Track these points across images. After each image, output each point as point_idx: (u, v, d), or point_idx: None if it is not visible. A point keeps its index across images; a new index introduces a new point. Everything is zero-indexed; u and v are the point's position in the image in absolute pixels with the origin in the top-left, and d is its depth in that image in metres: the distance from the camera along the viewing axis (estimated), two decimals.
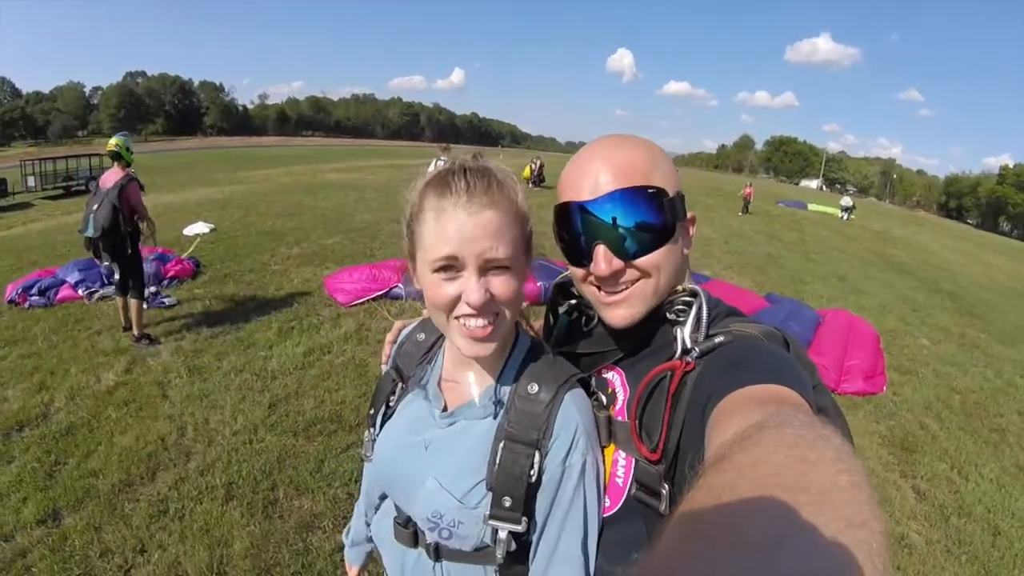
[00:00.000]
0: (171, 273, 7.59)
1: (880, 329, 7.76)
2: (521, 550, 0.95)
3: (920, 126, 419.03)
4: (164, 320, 6.26)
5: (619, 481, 0.93)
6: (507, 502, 0.91)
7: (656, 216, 0.90)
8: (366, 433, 1.18)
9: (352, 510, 3.42)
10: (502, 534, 0.92)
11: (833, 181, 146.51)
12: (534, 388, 0.95)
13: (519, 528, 0.91)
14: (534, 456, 0.91)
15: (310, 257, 9.43)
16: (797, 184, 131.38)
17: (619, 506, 0.93)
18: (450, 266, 0.87)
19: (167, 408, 4.47)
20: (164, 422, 4.25)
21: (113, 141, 5.56)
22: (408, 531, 1.04)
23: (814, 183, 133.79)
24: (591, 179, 0.92)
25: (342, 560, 2.96)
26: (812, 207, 34.00)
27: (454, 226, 0.85)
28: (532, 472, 0.91)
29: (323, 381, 5.06)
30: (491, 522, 0.92)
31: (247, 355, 5.54)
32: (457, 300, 0.88)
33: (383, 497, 1.19)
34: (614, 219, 0.90)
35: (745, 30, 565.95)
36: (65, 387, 4.70)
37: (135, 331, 5.63)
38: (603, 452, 0.97)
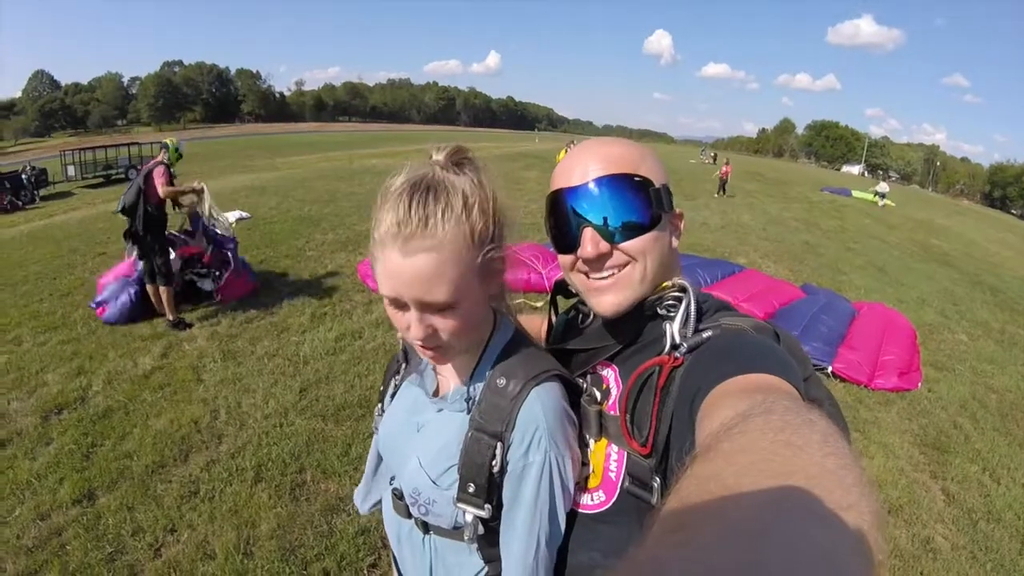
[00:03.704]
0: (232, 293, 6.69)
1: (918, 323, 7.58)
2: (492, 534, 1.00)
3: (965, 112, 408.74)
4: (201, 305, 6.40)
5: (612, 475, 0.94)
6: (471, 488, 0.95)
7: (642, 203, 0.93)
8: (376, 407, 1.25)
9: None
10: (468, 517, 0.97)
11: (875, 167, 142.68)
12: (502, 382, 0.97)
13: (483, 514, 0.96)
14: (496, 447, 0.94)
15: (344, 243, 9.57)
16: (839, 169, 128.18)
17: (613, 500, 0.94)
18: (395, 301, 0.88)
19: (201, 392, 4.58)
20: (198, 405, 4.36)
21: (172, 138, 5.97)
22: (402, 503, 1.09)
23: (856, 168, 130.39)
24: (580, 168, 0.96)
25: (365, 543, 3.03)
26: (857, 194, 33.07)
27: (392, 268, 0.85)
28: (495, 463, 0.94)
29: (353, 366, 5.14)
30: (459, 505, 0.97)
31: (280, 340, 5.65)
32: (407, 327, 0.89)
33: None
34: (600, 203, 0.93)
35: (785, 10, 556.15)
36: (103, 371, 4.84)
37: (169, 316, 5.76)
38: (595, 447, 0.98)
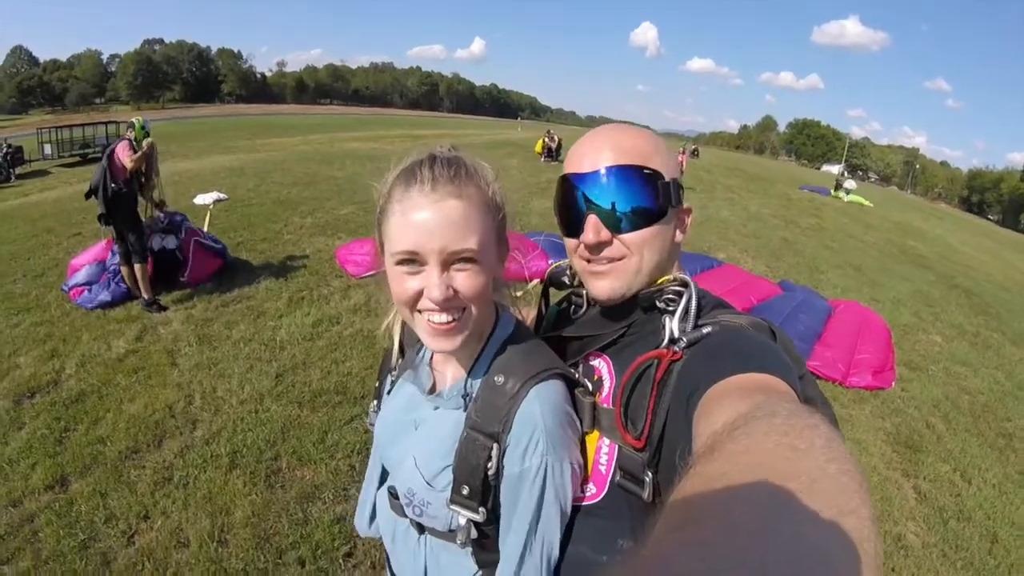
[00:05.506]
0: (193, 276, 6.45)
1: (893, 323, 7.67)
2: (486, 538, 0.97)
3: (946, 117, 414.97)
4: (176, 288, 6.28)
5: (602, 468, 0.94)
6: (465, 490, 0.92)
7: (649, 195, 0.95)
8: (372, 404, 1.22)
9: (353, 482, 3.46)
10: (462, 520, 0.94)
11: (855, 167, 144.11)
12: (500, 379, 0.94)
13: (477, 517, 0.93)
14: (492, 449, 0.91)
15: (323, 227, 9.45)
16: (819, 168, 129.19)
17: (603, 493, 0.93)
18: (412, 260, 0.85)
19: (176, 376, 4.53)
20: (172, 390, 4.31)
21: (139, 116, 5.87)
22: (398, 502, 1.06)
23: (836, 168, 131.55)
24: (592, 155, 0.97)
25: (340, 531, 3.01)
26: (835, 193, 33.40)
27: (416, 217, 0.84)
28: (490, 465, 0.91)
29: (331, 352, 5.10)
30: (452, 507, 0.94)
31: (256, 325, 5.60)
32: (420, 295, 0.87)
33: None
34: (608, 192, 0.94)
35: (772, 8, 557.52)
36: (76, 354, 4.76)
37: (145, 295, 5.67)
38: (586, 439, 0.97)
